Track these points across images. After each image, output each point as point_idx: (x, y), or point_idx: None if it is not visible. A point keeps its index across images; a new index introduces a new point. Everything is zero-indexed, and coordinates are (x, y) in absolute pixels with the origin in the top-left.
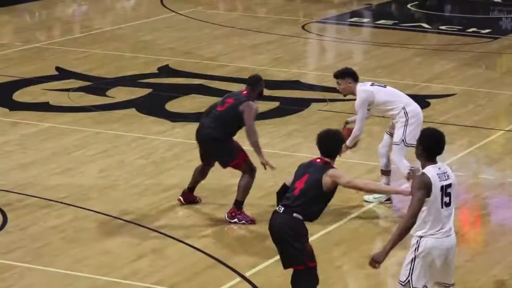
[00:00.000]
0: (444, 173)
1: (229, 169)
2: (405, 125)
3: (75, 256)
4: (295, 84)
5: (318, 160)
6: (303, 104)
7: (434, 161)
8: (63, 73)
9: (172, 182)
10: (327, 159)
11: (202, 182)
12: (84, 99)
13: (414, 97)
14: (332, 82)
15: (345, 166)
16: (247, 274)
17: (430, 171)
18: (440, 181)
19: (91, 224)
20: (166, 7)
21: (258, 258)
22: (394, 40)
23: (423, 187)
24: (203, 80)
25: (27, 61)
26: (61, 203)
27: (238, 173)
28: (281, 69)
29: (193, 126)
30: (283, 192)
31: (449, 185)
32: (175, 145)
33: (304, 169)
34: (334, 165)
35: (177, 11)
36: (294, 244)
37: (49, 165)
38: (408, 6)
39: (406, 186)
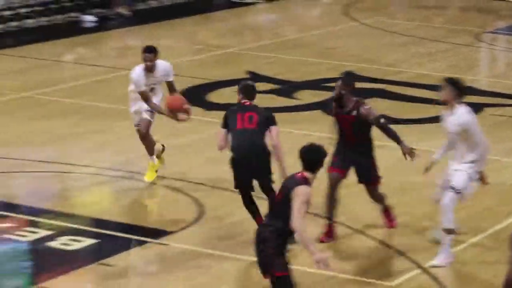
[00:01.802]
0: None
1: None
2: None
3: None
4: (468, 90)
5: (299, 174)
6: (475, 108)
7: None
8: (254, 77)
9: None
10: (306, 174)
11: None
12: (274, 101)
13: None
14: (502, 88)
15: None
16: (426, 265)
17: None
18: None
19: None
20: (350, 17)
21: (437, 249)
22: None
23: None
24: (384, 85)
25: (220, 65)
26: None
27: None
28: (456, 76)
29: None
30: None
31: None
32: None
33: (286, 181)
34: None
35: (360, 21)
36: (268, 253)
37: None
38: None
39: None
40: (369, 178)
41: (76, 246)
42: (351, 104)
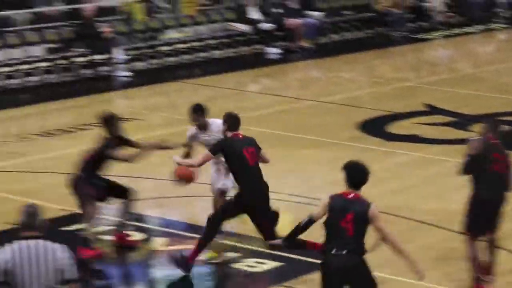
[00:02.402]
0: None
1: None
2: None
3: (443, 271)
4: None
5: (351, 195)
6: None
7: None
8: (431, 109)
9: None
10: (358, 193)
11: None
12: (450, 133)
13: None
14: None
15: None
16: None
17: None
18: None
19: (458, 244)
20: None
21: None
22: None
23: None
24: None
25: (398, 98)
26: (430, 224)
27: None
28: None
29: None
30: (307, 226)
31: None
32: None
33: (343, 206)
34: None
35: None
36: (372, 282)
37: (419, 190)
38: None
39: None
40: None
41: (260, 268)
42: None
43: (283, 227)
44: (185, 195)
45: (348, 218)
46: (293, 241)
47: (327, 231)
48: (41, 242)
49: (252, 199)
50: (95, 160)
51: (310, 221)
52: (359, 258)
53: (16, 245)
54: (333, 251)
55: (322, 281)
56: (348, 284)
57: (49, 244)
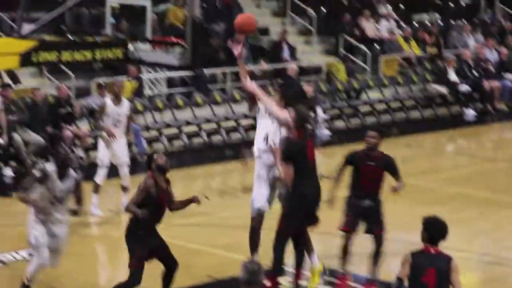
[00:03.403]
0: None
1: None
2: None
3: None
4: None
5: (432, 250)
6: None
7: None
8: None
9: None
10: (438, 248)
11: None
12: None
13: None
14: None
15: None
16: None
17: None
18: None
19: None
20: None
21: None
22: None
23: None
24: None
25: None
26: None
27: None
28: None
29: None
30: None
31: None
32: None
33: (424, 261)
34: None
35: None
36: None
37: None
38: None
39: None
40: None
41: None
42: None
43: (470, 286)
44: None
45: (430, 273)
46: None
47: (409, 287)
48: None
49: None
50: None
51: (400, 283)
52: None
53: None
54: None
55: None
56: None
57: None
